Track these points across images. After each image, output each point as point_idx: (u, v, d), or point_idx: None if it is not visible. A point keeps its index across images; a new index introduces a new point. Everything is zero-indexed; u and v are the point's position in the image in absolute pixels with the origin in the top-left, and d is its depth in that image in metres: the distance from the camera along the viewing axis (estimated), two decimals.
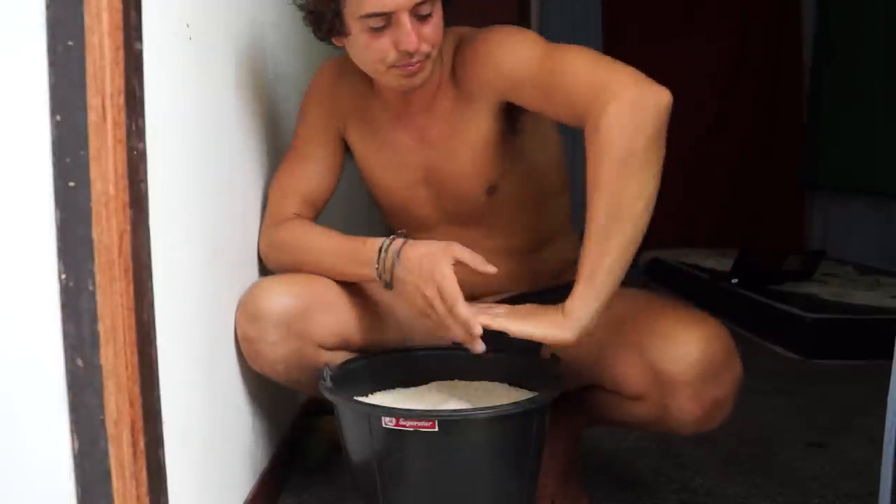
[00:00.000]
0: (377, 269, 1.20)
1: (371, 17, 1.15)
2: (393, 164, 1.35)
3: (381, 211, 1.45)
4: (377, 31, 1.16)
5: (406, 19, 1.14)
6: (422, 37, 1.17)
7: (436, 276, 1.13)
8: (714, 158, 4.52)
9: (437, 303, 1.12)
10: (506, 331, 1.09)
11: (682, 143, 5.12)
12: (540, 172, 1.35)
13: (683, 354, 1.11)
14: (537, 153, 1.33)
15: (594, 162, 1.09)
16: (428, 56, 1.20)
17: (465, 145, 1.28)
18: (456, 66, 1.27)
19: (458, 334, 1.12)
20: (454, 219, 1.34)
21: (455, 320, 1.11)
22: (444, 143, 1.30)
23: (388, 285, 1.21)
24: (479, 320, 1.10)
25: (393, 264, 1.18)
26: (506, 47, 1.22)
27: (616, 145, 1.07)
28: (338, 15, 1.18)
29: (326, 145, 1.38)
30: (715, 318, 1.19)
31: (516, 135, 1.29)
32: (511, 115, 1.27)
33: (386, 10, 1.14)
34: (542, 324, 1.09)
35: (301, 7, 1.22)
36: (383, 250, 1.20)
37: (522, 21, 4.44)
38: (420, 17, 1.16)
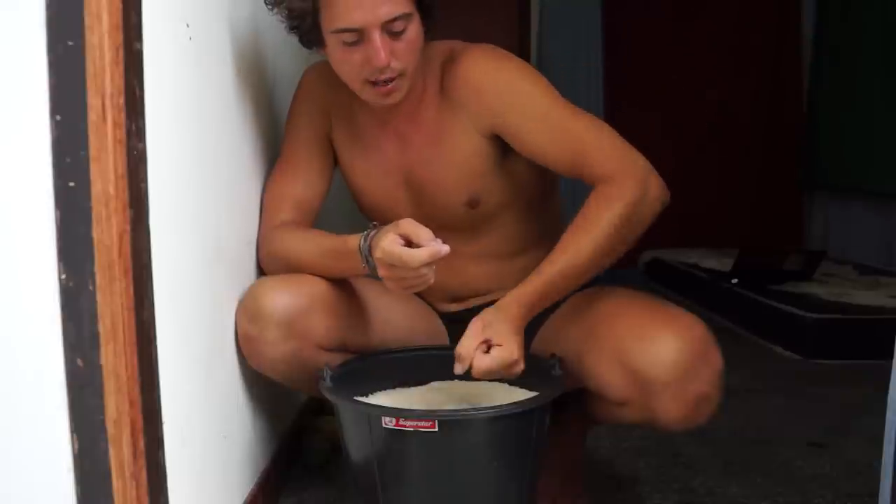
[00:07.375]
0: (363, 263, 1.20)
1: (342, 32, 1.17)
2: (375, 168, 1.36)
3: (363, 214, 1.45)
4: (350, 45, 1.18)
5: (376, 35, 1.16)
6: (393, 53, 1.18)
7: (376, 253, 1.13)
8: (714, 158, 4.52)
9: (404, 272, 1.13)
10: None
11: (682, 144, 5.13)
12: (526, 184, 1.34)
13: (658, 356, 1.11)
14: (526, 169, 1.32)
15: (595, 209, 1.17)
16: (402, 74, 1.21)
17: (445, 155, 1.29)
18: (445, 80, 1.28)
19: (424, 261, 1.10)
20: (435, 224, 1.34)
21: (417, 272, 1.11)
22: (425, 150, 1.31)
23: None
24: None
25: (371, 253, 1.18)
26: (505, 79, 1.24)
27: (619, 209, 1.16)
28: (314, 28, 1.21)
29: (316, 149, 1.39)
30: (690, 314, 1.18)
31: (507, 158, 1.30)
32: (505, 142, 1.27)
33: (355, 26, 1.16)
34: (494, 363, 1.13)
35: (282, 19, 1.24)
36: (362, 244, 1.20)
37: (522, 23, 4.45)
38: (393, 34, 1.17)
